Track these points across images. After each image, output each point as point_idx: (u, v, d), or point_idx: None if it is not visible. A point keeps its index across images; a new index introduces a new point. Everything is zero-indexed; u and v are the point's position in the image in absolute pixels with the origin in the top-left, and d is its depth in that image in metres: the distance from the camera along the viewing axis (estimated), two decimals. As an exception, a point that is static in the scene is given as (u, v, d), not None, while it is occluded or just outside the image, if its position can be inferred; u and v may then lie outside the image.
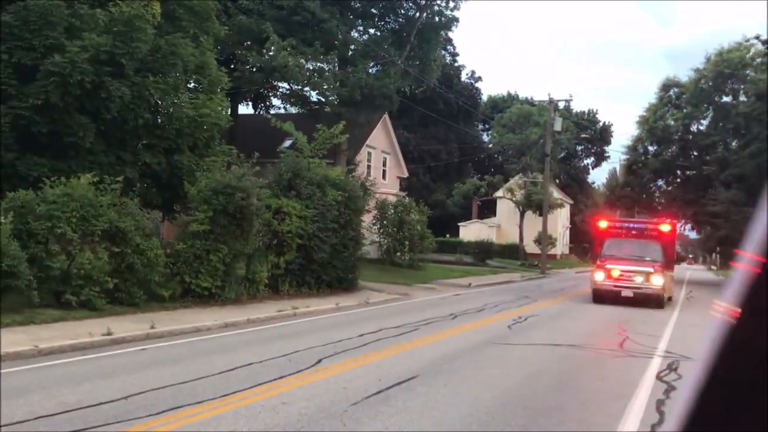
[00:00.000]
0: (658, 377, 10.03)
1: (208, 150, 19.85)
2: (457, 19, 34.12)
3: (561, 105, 49.02)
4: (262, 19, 28.83)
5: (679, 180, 51.64)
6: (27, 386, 7.87)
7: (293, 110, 34.64)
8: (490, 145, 69.62)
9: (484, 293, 24.64)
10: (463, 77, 70.31)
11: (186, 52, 18.55)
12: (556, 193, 58.43)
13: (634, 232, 24.51)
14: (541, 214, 45.94)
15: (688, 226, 61.22)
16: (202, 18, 20.77)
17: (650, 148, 50.86)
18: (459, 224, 62.86)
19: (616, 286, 21.50)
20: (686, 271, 63.25)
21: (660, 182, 52.99)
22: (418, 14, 33.49)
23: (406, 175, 45.95)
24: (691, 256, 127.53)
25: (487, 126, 73.50)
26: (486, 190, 59.05)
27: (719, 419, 0.98)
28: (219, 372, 8.97)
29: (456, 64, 68.03)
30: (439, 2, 33.61)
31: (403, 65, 32.05)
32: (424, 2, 33.48)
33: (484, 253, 48.31)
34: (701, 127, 48.72)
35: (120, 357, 10.10)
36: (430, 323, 15.12)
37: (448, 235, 58.05)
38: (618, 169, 67.24)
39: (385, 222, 31.77)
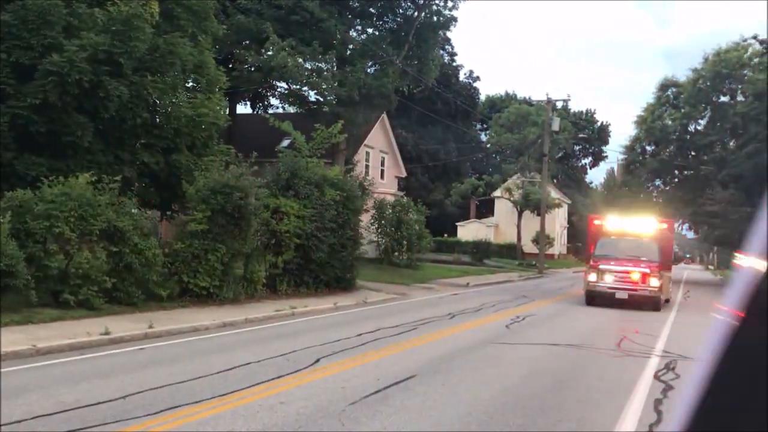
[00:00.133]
0: (656, 377, 10.05)
1: (207, 149, 19.83)
2: (455, 19, 34.17)
3: (559, 105, 49.06)
4: (261, 19, 28.81)
5: (676, 180, 51.73)
6: (25, 386, 7.87)
7: (291, 110, 34.60)
8: (488, 145, 69.62)
9: (482, 293, 24.65)
10: (462, 77, 70.41)
11: (184, 51, 18.53)
12: (554, 193, 58.50)
13: (629, 230, 22.84)
14: (539, 214, 45.99)
15: (686, 226, 61.40)
16: (201, 17, 20.74)
17: (648, 148, 50.93)
18: (457, 224, 62.91)
19: (609, 287, 20.38)
20: (684, 270, 63.36)
21: (658, 182, 53.09)
22: (416, 14, 33.47)
23: (404, 174, 45.96)
24: (688, 255, 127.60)
25: (485, 126, 73.49)
26: (484, 190, 59.06)
27: (722, 420, 0.98)
28: (217, 372, 8.97)
29: (454, 64, 68.07)
30: (437, 2, 33.60)
31: (401, 65, 32.05)
32: (422, 2, 33.46)
33: (482, 253, 48.34)
34: (699, 127, 48.82)
35: (118, 356, 10.10)
36: (428, 323, 15.13)
37: (446, 235, 58.12)
38: (616, 168, 67.47)
39: (383, 222, 31.78)
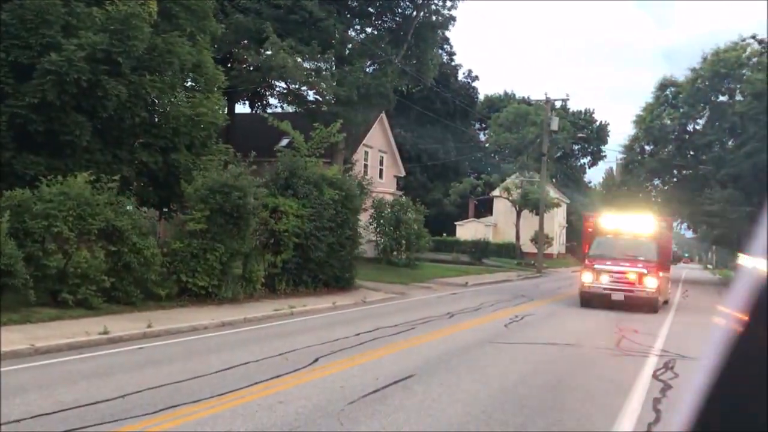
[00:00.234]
0: (655, 376, 10.06)
1: (205, 149, 19.81)
2: (454, 18, 34.16)
3: (558, 104, 49.06)
4: (260, 18, 28.79)
5: (675, 179, 51.76)
6: (24, 385, 7.86)
7: (290, 109, 34.58)
8: (487, 145, 69.59)
9: (480, 292, 24.65)
10: (460, 76, 70.40)
11: (183, 50, 18.51)
12: (553, 193, 58.49)
13: (626, 228, 21.84)
14: (537, 214, 46.01)
15: (685, 226, 61.43)
16: (199, 16, 20.72)
17: (647, 148, 50.94)
18: (456, 223, 62.90)
19: (605, 288, 19.59)
20: (682, 270, 63.41)
21: (656, 181, 53.10)
22: (415, 13, 33.47)
23: (403, 174, 45.95)
24: (687, 255, 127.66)
25: (484, 125, 73.46)
26: (483, 190, 59.09)
27: (725, 422, 0.98)
28: (216, 371, 8.96)
29: (453, 64, 68.06)
30: (436, 1, 33.61)
31: (400, 64, 32.05)
32: (421, 1, 33.46)
33: (480, 253, 48.37)
34: (698, 127, 48.86)
35: (117, 356, 10.09)
36: (426, 322, 15.13)
37: (444, 234, 58.07)
38: (615, 168, 67.46)
39: (381, 221, 31.79)
